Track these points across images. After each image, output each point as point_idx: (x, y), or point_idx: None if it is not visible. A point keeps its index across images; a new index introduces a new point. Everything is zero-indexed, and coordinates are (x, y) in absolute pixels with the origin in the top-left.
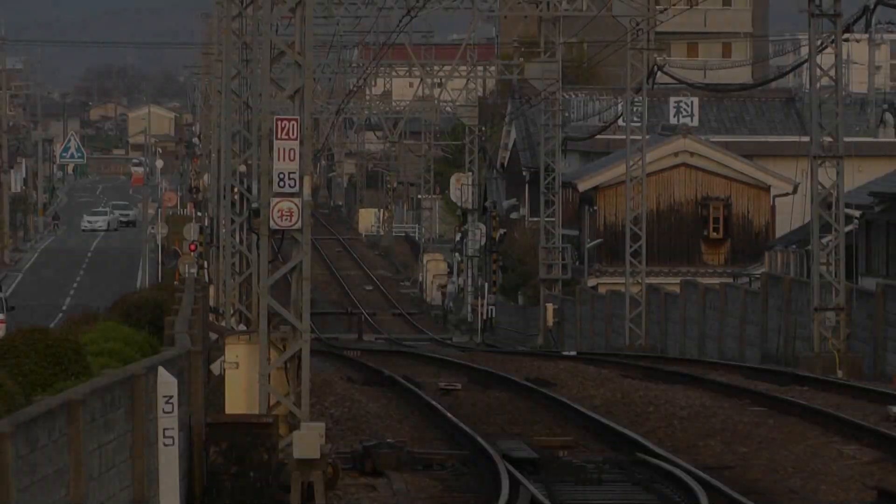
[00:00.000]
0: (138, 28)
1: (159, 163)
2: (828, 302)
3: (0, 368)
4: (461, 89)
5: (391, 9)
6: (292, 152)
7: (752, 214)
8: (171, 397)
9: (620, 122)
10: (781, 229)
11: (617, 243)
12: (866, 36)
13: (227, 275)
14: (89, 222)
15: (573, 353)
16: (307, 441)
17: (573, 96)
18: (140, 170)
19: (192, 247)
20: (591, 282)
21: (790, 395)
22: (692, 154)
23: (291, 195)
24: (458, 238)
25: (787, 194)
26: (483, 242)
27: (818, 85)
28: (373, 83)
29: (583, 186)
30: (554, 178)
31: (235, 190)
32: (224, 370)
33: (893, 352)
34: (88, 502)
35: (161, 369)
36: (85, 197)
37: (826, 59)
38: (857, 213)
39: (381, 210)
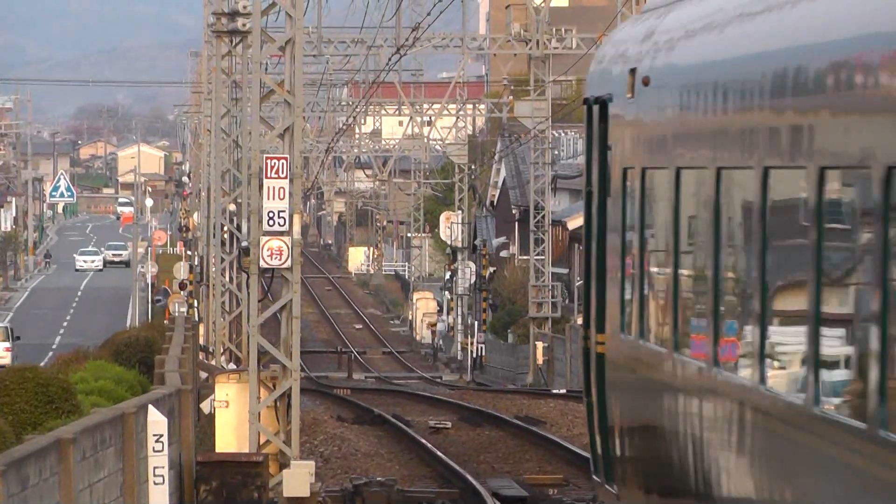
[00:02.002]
0: (128, 67)
1: (149, 202)
2: None
3: None
4: (451, 127)
5: (381, 47)
6: (282, 191)
7: None
8: (161, 436)
9: None
10: None
11: None
12: None
13: (216, 313)
14: (84, 262)
15: (563, 391)
16: (297, 479)
17: (563, 134)
18: (126, 210)
19: (183, 285)
20: (581, 320)
21: None
22: None
23: (281, 234)
24: (447, 276)
25: None
26: (473, 281)
27: None
28: (362, 121)
29: (572, 224)
30: (543, 217)
31: (225, 228)
32: (214, 409)
33: None
34: None
35: (151, 408)
36: (75, 236)
37: None
38: None
39: (371, 248)
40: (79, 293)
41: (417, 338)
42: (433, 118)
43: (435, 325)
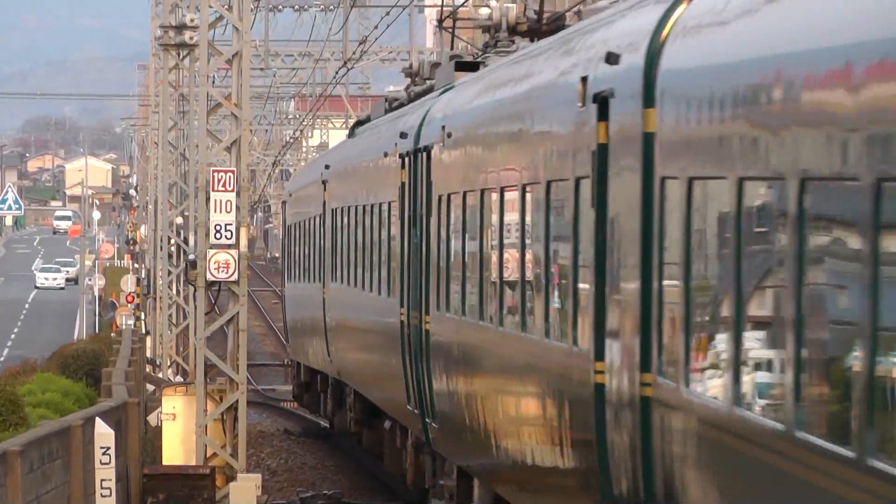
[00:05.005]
0: (76, 80)
1: (97, 214)
2: None
3: None
4: None
5: (328, 60)
6: (229, 204)
7: None
8: (108, 448)
9: None
10: None
11: None
12: None
13: (164, 326)
14: (45, 279)
15: None
16: (244, 492)
17: None
18: (62, 223)
19: (130, 298)
20: None
21: None
22: None
23: (228, 247)
24: None
25: None
26: None
27: None
28: (309, 134)
29: None
30: None
31: (172, 241)
32: (161, 421)
33: None
34: None
35: (98, 420)
36: (23, 248)
37: None
38: None
39: None
40: (26, 306)
41: None
42: None
43: None
